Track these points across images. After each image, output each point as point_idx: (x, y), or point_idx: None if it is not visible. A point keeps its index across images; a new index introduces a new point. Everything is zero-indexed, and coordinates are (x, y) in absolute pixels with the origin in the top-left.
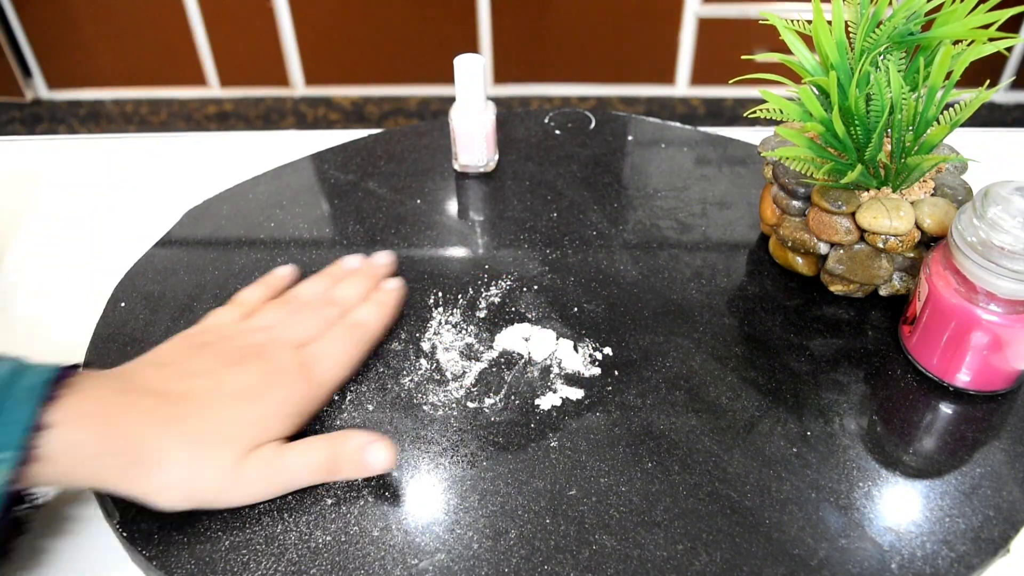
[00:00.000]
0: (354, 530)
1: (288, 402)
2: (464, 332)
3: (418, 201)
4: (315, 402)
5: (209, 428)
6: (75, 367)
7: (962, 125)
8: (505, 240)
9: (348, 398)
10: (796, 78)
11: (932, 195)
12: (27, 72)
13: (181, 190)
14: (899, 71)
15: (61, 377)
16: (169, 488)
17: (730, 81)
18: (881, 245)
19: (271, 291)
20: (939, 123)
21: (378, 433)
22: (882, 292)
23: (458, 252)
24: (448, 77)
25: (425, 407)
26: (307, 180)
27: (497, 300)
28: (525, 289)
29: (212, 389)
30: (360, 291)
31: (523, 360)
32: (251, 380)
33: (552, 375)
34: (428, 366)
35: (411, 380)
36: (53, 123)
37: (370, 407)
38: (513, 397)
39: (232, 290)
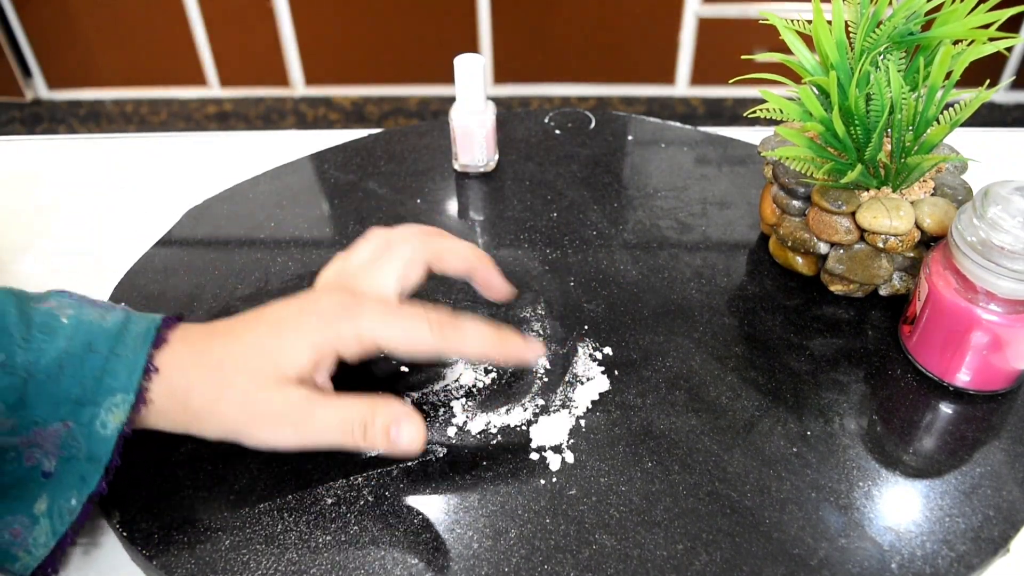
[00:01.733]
0: (354, 530)
1: (314, 338)
2: None
3: (418, 201)
4: (347, 347)
5: (230, 356)
6: (177, 318)
7: (962, 125)
8: (505, 240)
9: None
10: (796, 78)
11: (932, 195)
12: (27, 72)
13: (181, 190)
14: (899, 71)
15: (165, 326)
16: (202, 416)
17: (730, 81)
18: (881, 245)
19: None
20: (939, 123)
21: (412, 409)
22: (882, 292)
23: None
24: (448, 77)
25: (425, 407)
26: (307, 180)
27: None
28: (525, 289)
29: (250, 321)
30: (461, 261)
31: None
32: (288, 312)
33: (552, 375)
34: (429, 366)
35: (411, 380)
36: (53, 123)
37: None
38: (513, 397)
39: (232, 289)
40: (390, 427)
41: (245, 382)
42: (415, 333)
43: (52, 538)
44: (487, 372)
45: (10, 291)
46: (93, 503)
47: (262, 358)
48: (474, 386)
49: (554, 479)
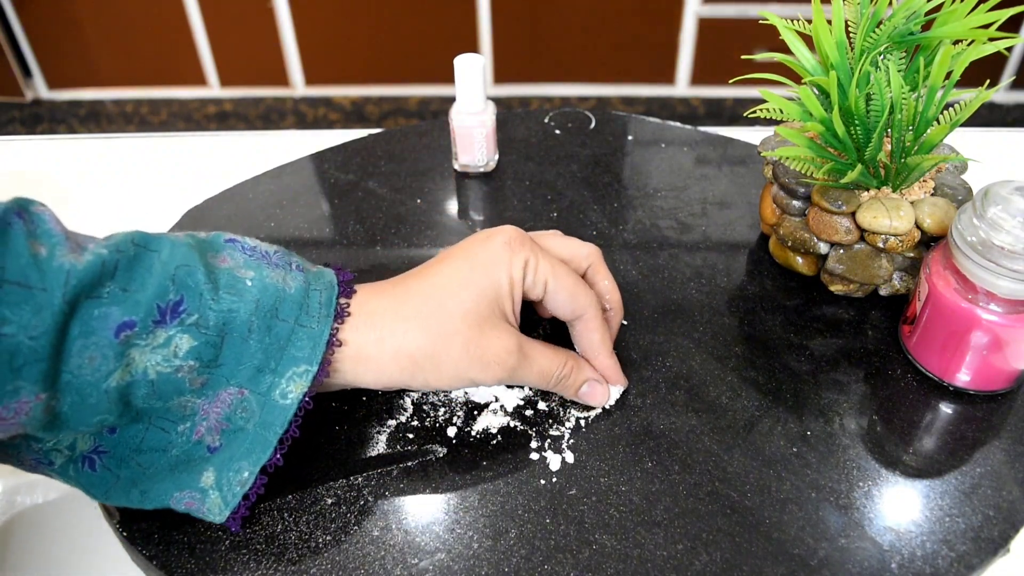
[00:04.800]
0: (354, 530)
1: (506, 258)
2: None
3: (418, 201)
4: (526, 275)
5: (430, 300)
6: (350, 278)
7: (962, 125)
8: None
9: (347, 394)
10: (796, 78)
11: (932, 195)
12: (27, 72)
13: (181, 190)
14: (899, 71)
15: (345, 292)
16: (421, 368)
17: (730, 81)
18: (881, 245)
19: None
20: (939, 123)
21: (599, 376)
22: (882, 292)
23: None
24: (448, 77)
25: (425, 407)
26: (307, 180)
27: None
28: None
29: (435, 265)
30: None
31: None
32: (472, 245)
33: None
34: None
35: None
36: (53, 123)
37: (371, 405)
38: (513, 397)
39: None
40: (582, 385)
41: (461, 324)
42: (577, 290)
43: (225, 508)
44: None
45: (191, 245)
46: (268, 473)
47: (470, 294)
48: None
49: (554, 479)
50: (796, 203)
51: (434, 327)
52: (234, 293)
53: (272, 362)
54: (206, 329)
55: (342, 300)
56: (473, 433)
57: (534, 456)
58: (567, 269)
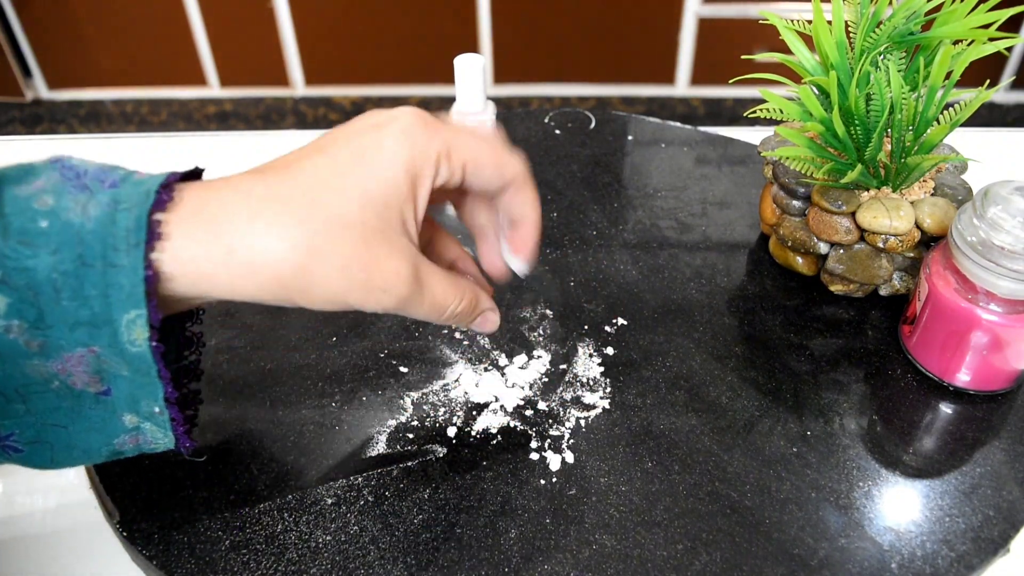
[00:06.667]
0: (354, 530)
1: (403, 155)
2: (464, 333)
3: None
4: (436, 169)
5: (301, 198)
6: (191, 174)
7: (962, 125)
8: None
9: (347, 394)
10: (796, 78)
11: (932, 195)
12: (27, 72)
13: None
14: (899, 71)
15: (161, 203)
16: (280, 289)
17: (730, 81)
18: (881, 245)
19: None
20: (939, 123)
21: (493, 304)
22: (882, 292)
23: None
24: (448, 77)
25: (425, 407)
26: None
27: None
28: (525, 289)
29: (310, 153)
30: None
31: (523, 361)
32: (360, 131)
33: (552, 375)
34: (429, 366)
35: (411, 380)
36: (53, 123)
37: (371, 405)
38: (513, 397)
39: None
40: (476, 318)
41: (340, 237)
42: (502, 159)
43: (166, 430)
44: (487, 371)
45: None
46: (175, 403)
47: (352, 199)
48: (475, 385)
49: (554, 479)
50: (796, 203)
51: (302, 238)
52: (27, 242)
53: (101, 313)
54: (16, 288)
55: (156, 216)
56: (473, 433)
57: (534, 456)
58: (482, 138)
